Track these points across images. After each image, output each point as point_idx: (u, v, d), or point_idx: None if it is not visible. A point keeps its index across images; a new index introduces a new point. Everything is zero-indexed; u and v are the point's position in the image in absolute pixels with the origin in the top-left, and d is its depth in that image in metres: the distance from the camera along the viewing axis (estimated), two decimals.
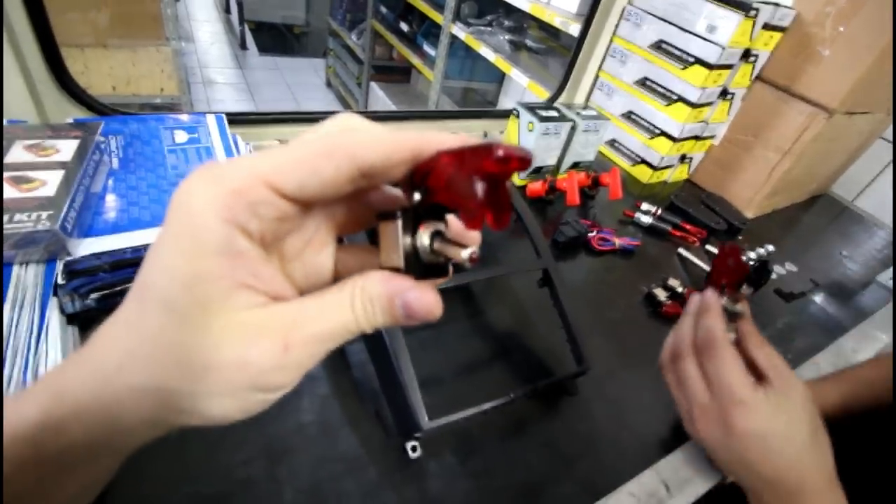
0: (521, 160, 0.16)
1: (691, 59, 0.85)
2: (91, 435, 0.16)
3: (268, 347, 0.16)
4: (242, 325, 0.16)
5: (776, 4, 0.82)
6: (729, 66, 0.85)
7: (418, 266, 0.19)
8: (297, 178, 0.17)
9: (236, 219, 0.16)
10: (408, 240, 0.18)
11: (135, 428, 0.17)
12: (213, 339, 0.16)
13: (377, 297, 0.18)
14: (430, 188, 0.18)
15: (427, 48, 2.24)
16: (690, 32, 0.84)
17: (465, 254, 0.18)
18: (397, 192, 0.19)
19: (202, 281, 0.16)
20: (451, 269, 0.20)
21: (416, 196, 0.18)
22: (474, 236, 0.19)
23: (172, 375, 0.16)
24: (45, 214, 0.42)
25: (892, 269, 0.90)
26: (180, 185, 0.16)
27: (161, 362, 0.16)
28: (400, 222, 0.18)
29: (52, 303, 0.40)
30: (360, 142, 0.17)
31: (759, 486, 0.39)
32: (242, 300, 0.16)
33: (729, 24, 0.78)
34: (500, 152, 0.15)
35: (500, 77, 2.14)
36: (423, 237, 0.19)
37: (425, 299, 0.18)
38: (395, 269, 0.18)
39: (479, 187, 0.16)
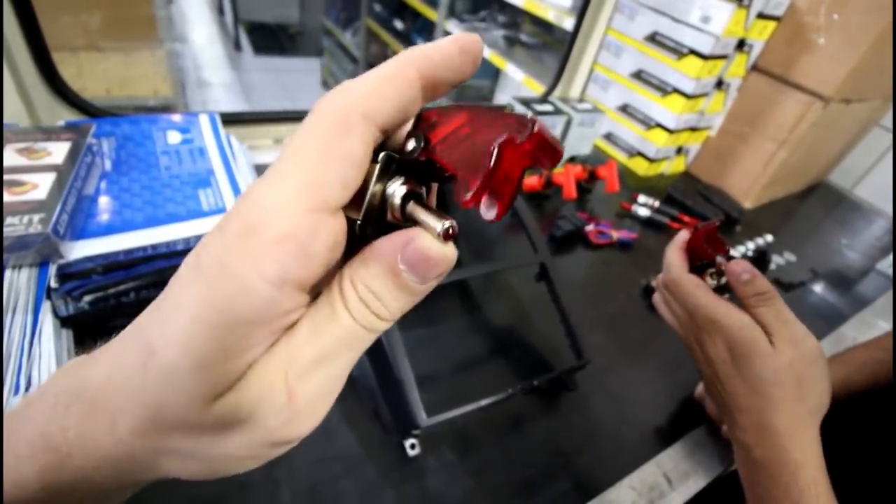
0: (552, 150, 0.13)
1: (686, 50, 0.84)
2: (103, 491, 0.15)
3: (271, 404, 0.14)
4: (243, 393, 0.14)
5: None
6: (724, 57, 0.85)
7: (376, 226, 0.15)
8: (347, 178, 0.14)
9: (289, 277, 0.13)
10: (378, 189, 0.15)
11: (147, 481, 0.16)
12: (215, 416, 0.13)
13: (375, 276, 0.14)
14: (430, 141, 0.15)
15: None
16: (684, 23, 0.83)
17: (439, 226, 0.14)
18: None
19: (219, 360, 0.13)
20: None
21: (411, 144, 0.15)
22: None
23: (187, 444, 0.14)
24: (36, 218, 0.41)
25: (891, 256, 0.90)
26: (204, 239, 0.13)
27: (172, 432, 0.14)
28: (378, 167, 0.15)
29: (46, 306, 0.40)
30: (366, 96, 0.14)
31: (734, 411, 0.39)
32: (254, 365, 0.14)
33: (723, 13, 0.78)
34: (536, 128, 0.13)
35: (496, 73, 2.13)
36: (397, 193, 0.15)
37: (437, 245, 0.14)
38: (350, 220, 0.15)
39: (493, 159, 0.13)
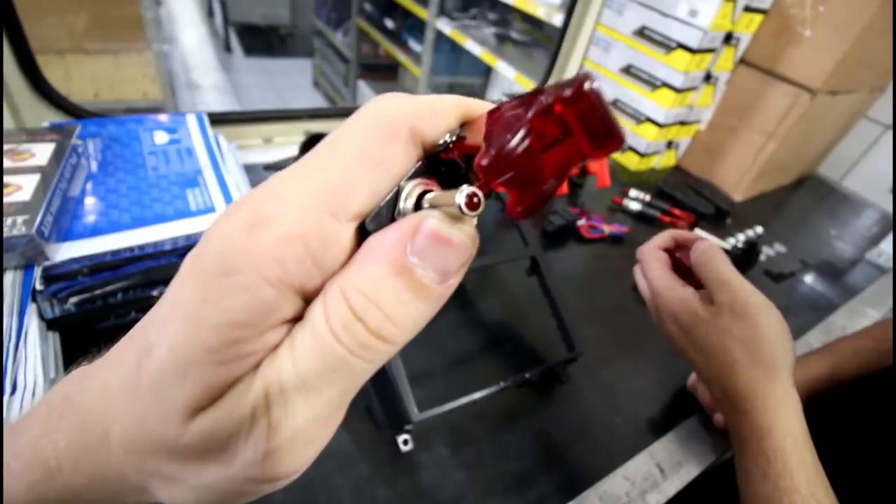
0: (603, 127, 0.10)
1: (674, 45, 0.85)
2: None
3: (249, 432, 0.12)
4: (223, 413, 0.12)
5: None
6: (711, 50, 0.85)
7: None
8: (379, 186, 0.12)
9: (291, 281, 0.11)
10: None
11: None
12: (189, 437, 0.12)
13: (375, 281, 0.11)
14: (464, 138, 0.13)
15: (413, 44, 2.23)
16: (672, 17, 0.84)
17: (459, 196, 0.11)
18: None
19: (206, 365, 0.11)
20: None
21: (445, 137, 0.13)
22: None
23: (168, 467, 0.12)
24: (20, 219, 0.41)
25: (880, 246, 0.91)
26: (210, 227, 0.12)
27: (155, 450, 0.12)
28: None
29: (31, 309, 0.40)
30: (414, 113, 0.13)
31: (706, 384, 0.38)
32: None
33: (710, 7, 0.78)
34: (587, 88, 0.10)
35: (487, 70, 2.13)
36: (409, 190, 0.13)
37: (455, 225, 0.12)
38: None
39: (522, 134, 0.11)
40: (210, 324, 0.11)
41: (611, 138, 0.10)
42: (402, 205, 0.13)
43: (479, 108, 0.14)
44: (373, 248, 0.12)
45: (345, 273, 0.12)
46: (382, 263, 0.11)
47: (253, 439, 0.12)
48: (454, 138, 0.13)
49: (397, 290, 0.11)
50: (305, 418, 0.12)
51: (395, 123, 0.12)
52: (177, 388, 0.11)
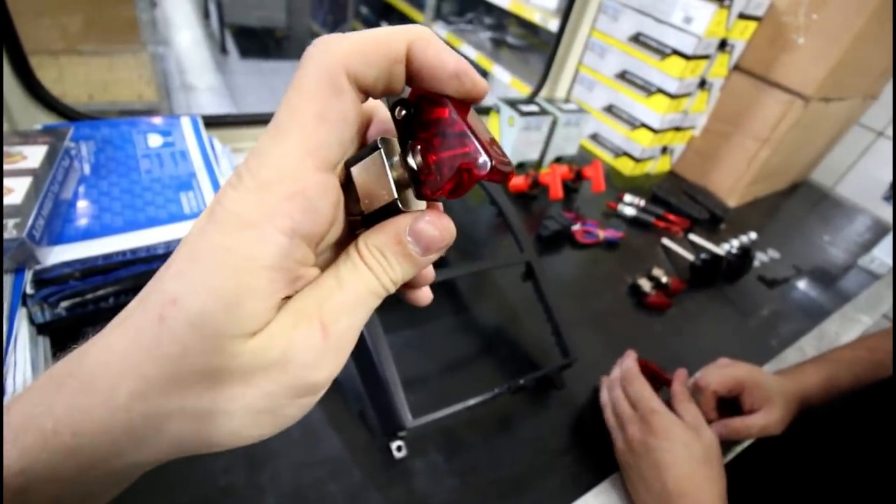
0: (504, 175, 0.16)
1: (669, 51, 0.85)
2: (87, 475, 0.14)
3: (306, 337, 0.15)
4: (276, 328, 0.15)
5: None
6: (706, 57, 0.86)
7: (410, 196, 0.17)
8: (344, 138, 0.15)
9: (299, 229, 0.14)
10: (395, 171, 0.16)
11: (143, 461, 0.15)
12: (248, 355, 0.14)
13: (383, 245, 0.16)
14: (414, 103, 0.17)
15: None
16: (667, 24, 0.84)
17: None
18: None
19: (246, 299, 0.14)
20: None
21: (403, 112, 0.17)
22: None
23: (202, 400, 0.14)
24: (11, 223, 0.41)
25: (873, 250, 0.92)
26: (220, 194, 0.14)
27: (188, 387, 0.14)
28: (382, 151, 0.16)
29: (21, 313, 0.39)
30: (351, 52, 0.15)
31: (661, 468, 0.42)
32: (278, 307, 0.15)
33: (704, 14, 0.79)
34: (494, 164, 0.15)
35: (483, 75, 2.14)
36: (416, 155, 0.16)
37: (438, 221, 0.16)
38: (385, 208, 0.16)
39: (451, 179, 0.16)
40: (243, 269, 0.14)
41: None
42: (411, 161, 0.16)
43: (428, 46, 0.15)
44: (390, 224, 0.16)
45: (369, 234, 0.16)
46: (390, 235, 0.16)
47: (309, 344, 0.15)
48: (411, 111, 0.17)
49: (396, 252, 0.16)
50: (345, 329, 0.16)
51: (335, 76, 0.14)
52: (227, 321, 0.13)
